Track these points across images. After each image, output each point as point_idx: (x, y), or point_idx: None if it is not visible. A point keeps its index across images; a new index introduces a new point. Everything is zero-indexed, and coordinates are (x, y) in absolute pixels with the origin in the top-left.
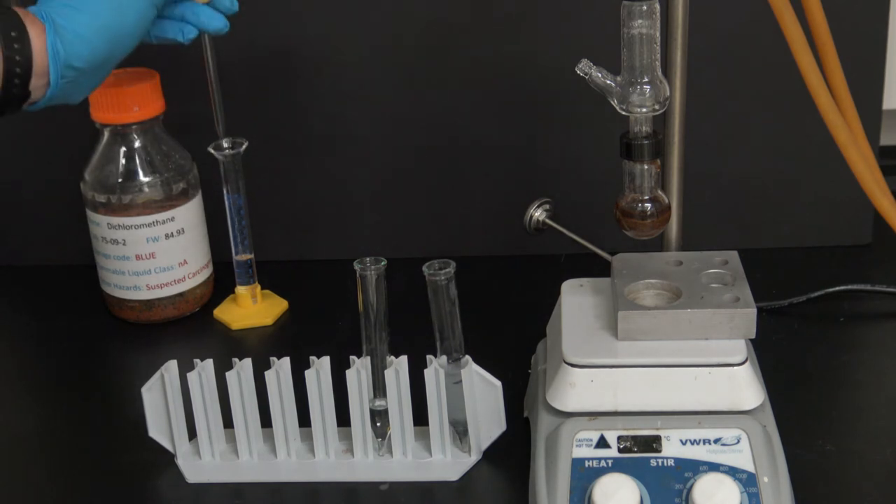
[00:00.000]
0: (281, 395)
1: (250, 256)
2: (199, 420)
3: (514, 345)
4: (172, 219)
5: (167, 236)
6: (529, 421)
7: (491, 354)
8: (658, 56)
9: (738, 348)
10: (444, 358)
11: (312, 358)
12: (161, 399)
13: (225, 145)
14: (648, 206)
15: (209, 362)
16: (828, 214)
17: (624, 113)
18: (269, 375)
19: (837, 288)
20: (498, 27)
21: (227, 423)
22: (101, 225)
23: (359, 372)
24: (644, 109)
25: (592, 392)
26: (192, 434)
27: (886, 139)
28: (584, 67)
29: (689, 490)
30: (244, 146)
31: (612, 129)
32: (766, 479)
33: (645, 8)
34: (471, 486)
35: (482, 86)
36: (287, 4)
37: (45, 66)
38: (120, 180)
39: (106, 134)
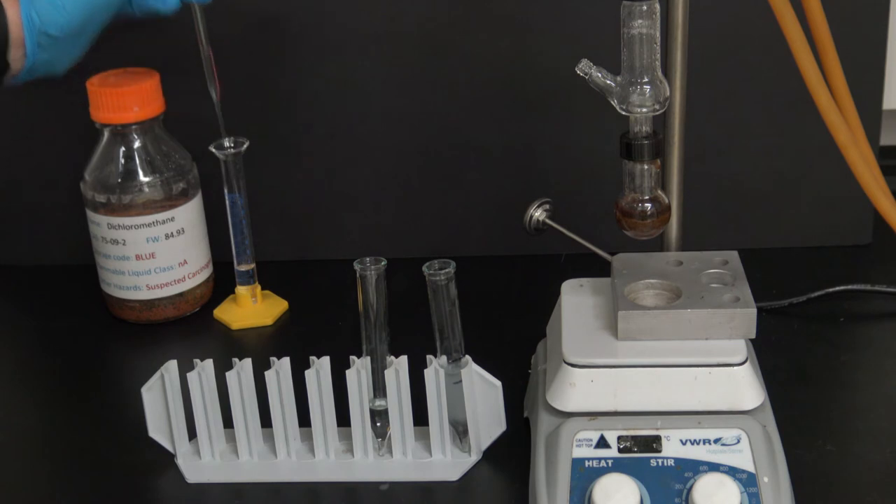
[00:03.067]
0: (281, 395)
1: (252, 266)
2: (199, 420)
3: (514, 345)
4: (172, 219)
5: (167, 236)
6: (529, 421)
7: (491, 354)
8: (658, 56)
9: (738, 348)
10: (444, 358)
11: (312, 358)
12: (161, 399)
13: (227, 144)
14: (648, 206)
15: (209, 362)
16: (828, 214)
17: (624, 113)
18: (269, 375)
19: (837, 288)
20: (498, 27)
21: (227, 423)
22: (101, 225)
23: (359, 372)
24: (644, 109)
25: (592, 392)
26: (192, 434)
27: (886, 139)
28: (584, 67)
29: (689, 490)
30: (245, 145)
31: (612, 129)
32: (766, 479)
33: (645, 8)
34: (471, 486)
35: (482, 85)
36: (288, 4)
37: (20, 36)
38: (120, 180)
39: (106, 134)
